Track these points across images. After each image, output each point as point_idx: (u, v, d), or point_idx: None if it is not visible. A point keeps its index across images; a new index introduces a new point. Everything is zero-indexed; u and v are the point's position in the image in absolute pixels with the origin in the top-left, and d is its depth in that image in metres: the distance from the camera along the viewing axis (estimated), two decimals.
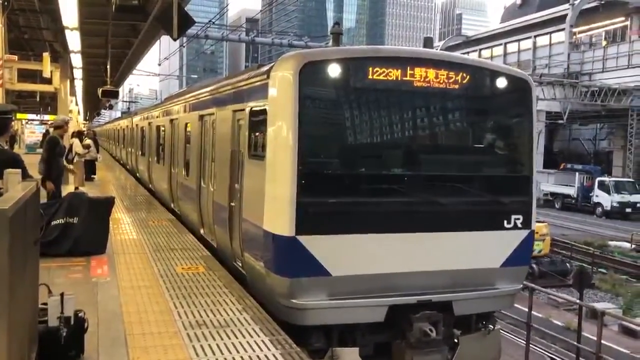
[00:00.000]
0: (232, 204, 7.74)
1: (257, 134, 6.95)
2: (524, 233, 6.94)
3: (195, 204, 10.09)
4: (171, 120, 13.62)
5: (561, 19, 43.52)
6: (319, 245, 6.00)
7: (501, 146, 7.45)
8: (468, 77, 6.67)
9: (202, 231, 9.87)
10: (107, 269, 7.53)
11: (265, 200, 6.24)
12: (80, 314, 4.52)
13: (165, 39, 20.38)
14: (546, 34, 46.90)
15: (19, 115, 36.00)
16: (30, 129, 35.84)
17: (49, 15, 18.86)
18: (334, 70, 6.09)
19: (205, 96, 10.17)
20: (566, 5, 43.38)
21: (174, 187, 12.74)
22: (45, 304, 4.37)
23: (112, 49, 21.51)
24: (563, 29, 43.20)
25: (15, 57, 19.84)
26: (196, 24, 15.83)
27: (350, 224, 6.16)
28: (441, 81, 6.50)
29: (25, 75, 23.46)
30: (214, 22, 31.89)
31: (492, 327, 7.11)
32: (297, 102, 5.95)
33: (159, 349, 4.93)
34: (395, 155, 6.84)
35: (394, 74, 6.30)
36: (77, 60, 21.92)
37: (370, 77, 6.23)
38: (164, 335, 5.25)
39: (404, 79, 6.35)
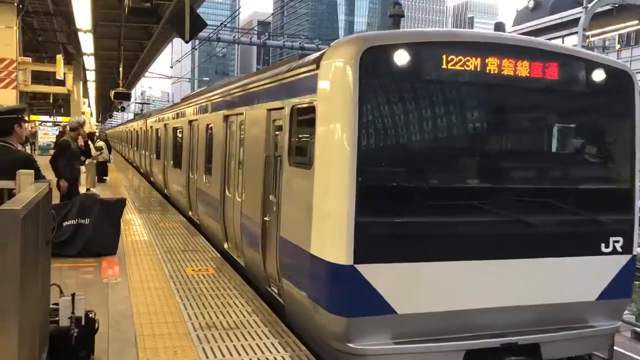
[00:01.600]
0: (266, 218, 6.68)
1: (301, 136, 5.87)
2: (625, 259, 5.71)
3: (218, 214, 9.08)
4: (190, 122, 12.63)
5: (574, 22, 43.15)
6: (382, 276, 4.90)
7: (598, 153, 6.12)
8: (561, 68, 5.51)
9: (225, 246, 8.89)
10: (117, 270, 7.57)
11: (312, 219, 5.16)
12: (91, 315, 4.54)
13: (177, 41, 20.48)
14: (559, 37, 46.61)
15: (31, 117, 36.35)
16: (44, 130, 36.21)
17: (63, 18, 19.09)
18: (402, 58, 4.94)
19: (231, 94, 9.04)
20: (579, 9, 43.04)
21: (193, 194, 11.75)
22: (57, 304, 4.39)
23: (124, 51, 21.71)
24: (576, 33, 42.83)
25: (30, 59, 20.07)
26: (208, 27, 15.90)
27: (421, 250, 5.04)
28: (530, 73, 5.35)
29: (39, 77, 23.73)
30: (225, 25, 32.02)
31: None
32: (356, 97, 4.83)
33: (168, 350, 4.95)
34: (474, 164, 5.66)
35: (473, 63, 5.13)
36: (90, 62, 22.16)
37: (444, 66, 5.06)
38: (173, 336, 5.27)
39: (485, 69, 5.19)
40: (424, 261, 5.05)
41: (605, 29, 44.53)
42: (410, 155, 5.39)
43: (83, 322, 4.40)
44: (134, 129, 28.86)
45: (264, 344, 5.18)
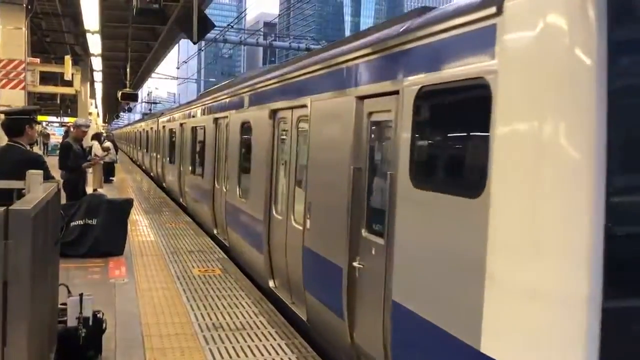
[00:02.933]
0: (357, 264, 4.50)
1: (444, 138, 3.69)
2: None
3: (260, 241, 7.09)
4: (215, 120, 10.56)
5: None
6: None
7: None
8: None
9: (271, 283, 6.89)
10: (124, 271, 7.59)
11: (485, 291, 2.88)
12: (98, 315, 4.56)
13: (183, 42, 20.54)
14: None
15: (39, 117, 36.57)
16: (51, 131, 36.50)
17: (71, 19, 19.20)
18: None
19: (281, 81, 6.81)
20: None
21: (220, 209, 9.81)
22: (65, 304, 4.42)
23: (131, 52, 21.81)
24: None
25: (38, 60, 20.19)
26: (215, 28, 15.93)
27: None
28: None
29: (46, 78, 23.84)
30: (232, 26, 32.11)
31: None
32: (602, 62, 2.54)
33: (175, 350, 4.96)
34: None
35: None
36: (97, 63, 22.26)
37: None
38: (180, 337, 5.28)
39: None
40: None
41: None
42: None
43: (91, 322, 4.42)
44: (144, 129, 27.55)
45: (271, 345, 5.18)
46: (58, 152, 10.43)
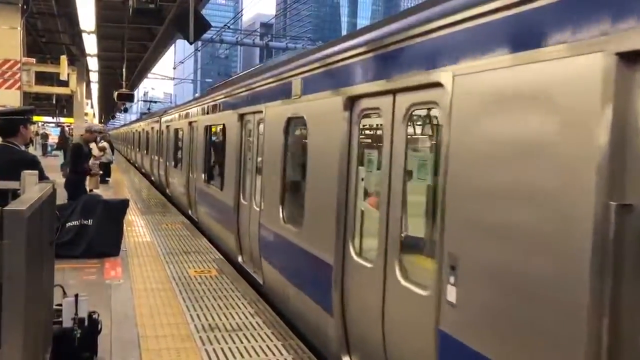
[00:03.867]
0: None
1: None
2: None
3: (328, 294, 4.83)
4: (241, 117, 8.41)
5: None
6: None
7: None
8: None
9: None
10: (120, 271, 7.57)
11: None
12: (94, 316, 4.55)
13: (180, 43, 20.49)
14: None
15: (34, 118, 36.49)
16: (49, 131, 36.45)
17: (67, 19, 19.13)
18: None
19: (369, 51, 4.33)
20: None
21: (248, 233, 7.65)
22: (60, 304, 4.40)
23: (128, 52, 21.75)
24: None
25: (33, 60, 20.13)
26: (211, 29, 15.88)
27: None
28: None
29: (42, 78, 23.77)
30: (229, 27, 32.10)
31: None
32: None
33: (171, 351, 4.95)
34: None
35: None
36: (93, 63, 22.21)
37: None
38: (176, 337, 5.27)
39: None
40: None
41: None
42: None
43: (86, 323, 4.41)
44: (143, 129, 26.14)
45: (267, 346, 5.17)
46: (70, 153, 10.70)
